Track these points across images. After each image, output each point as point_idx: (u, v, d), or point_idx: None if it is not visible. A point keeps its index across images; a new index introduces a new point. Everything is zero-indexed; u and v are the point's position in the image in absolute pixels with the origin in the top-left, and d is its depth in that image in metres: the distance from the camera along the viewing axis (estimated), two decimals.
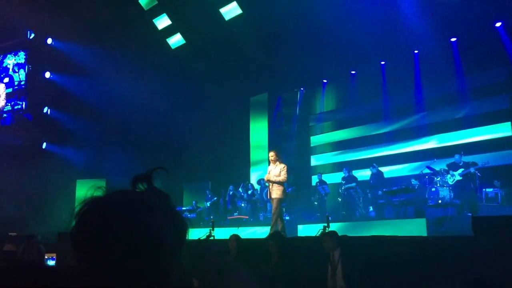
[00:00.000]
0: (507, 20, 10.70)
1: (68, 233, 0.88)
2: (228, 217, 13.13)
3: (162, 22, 14.54)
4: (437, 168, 10.26)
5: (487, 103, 11.28)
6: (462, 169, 9.76)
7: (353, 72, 13.60)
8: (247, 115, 15.63)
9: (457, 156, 10.04)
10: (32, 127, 16.77)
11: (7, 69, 18.03)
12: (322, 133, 14.92)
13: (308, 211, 12.74)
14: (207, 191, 14.62)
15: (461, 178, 9.72)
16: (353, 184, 11.86)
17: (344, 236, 6.02)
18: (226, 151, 14.76)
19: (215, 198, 14.20)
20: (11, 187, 14.68)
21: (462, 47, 11.39)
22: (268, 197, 7.80)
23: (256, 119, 15.56)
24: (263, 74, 13.90)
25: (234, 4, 13.00)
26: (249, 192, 13.35)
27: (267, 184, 8.13)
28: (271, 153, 7.79)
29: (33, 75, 17.46)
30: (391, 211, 10.47)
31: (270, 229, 7.45)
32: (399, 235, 6.36)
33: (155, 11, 14.47)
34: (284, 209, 9.32)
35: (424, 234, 7.97)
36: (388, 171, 12.10)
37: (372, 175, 11.77)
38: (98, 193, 0.89)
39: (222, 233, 9.53)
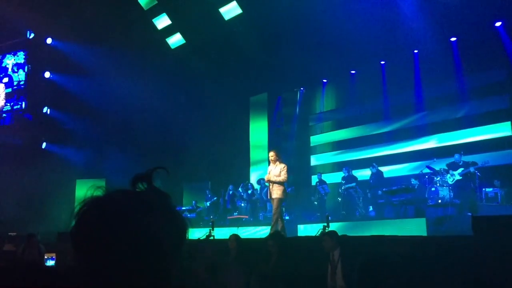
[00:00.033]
0: (507, 20, 10.70)
1: (68, 233, 0.88)
2: (228, 217, 13.13)
3: (162, 22, 14.54)
4: (437, 168, 10.26)
5: (487, 102, 11.28)
6: (462, 169, 9.76)
7: (353, 72, 13.60)
8: (247, 115, 15.63)
9: (456, 156, 10.04)
10: (32, 127, 16.76)
11: (6, 69, 18.03)
12: (322, 133, 14.92)
13: (308, 211, 12.75)
14: (207, 191, 14.63)
15: (461, 177, 9.72)
16: (353, 184, 11.86)
17: (344, 236, 6.02)
18: (226, 151, 14.76)
19: (215, 198, 14.20)
20: (11, 187, 14.68)
21: (462, 47, 11.40)
22: (269, 197, 7.80)
23: (256, 119, 15.56)
24: (263, 74, 13.90)
25: (234, 3, 13.00)
26: (249, 192, 13.35)
27: (267, 184, 8.13)
28: (271, 153, 7.78)
29: (33, 75, 17.44)
30: (391, 211, 10.47)
31: (270, 229, 7.45)
32: (399, 234, 6.35)
33: (155, 11, 14.47)
34: (284, 209, 9.31)
35: (424, 233, 7.97)
36: (388, 170, 12.10)
37: (372, 174, 11.77)
38: (98, 193, 0.89)
39: (222, 233, 9.53)
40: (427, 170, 10.43)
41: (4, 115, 17.69)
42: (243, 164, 15.18)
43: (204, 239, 8.14)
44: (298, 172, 13.91)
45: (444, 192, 9.52)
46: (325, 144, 14.75)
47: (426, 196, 9.75)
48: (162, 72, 14.59)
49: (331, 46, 11.85)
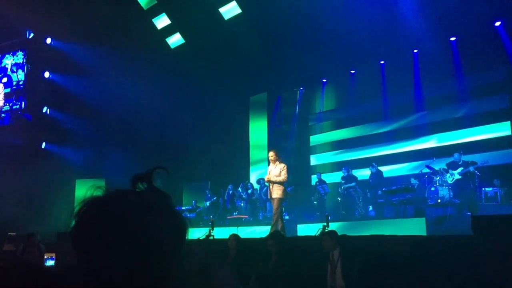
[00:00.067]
0: (506, 19, 10.70)
1: (68, 233, 0.88)
2: (228, 217, 13.14)
3: (162, 21, 14.54)
4: (436, 168, 10.27)
5: (486, 102, 11.28)
6: (462, 168, 9.76)
7: (352, 71, 13.60)
8: (247, 114, 15.63)
9: (456, 155, 10.04)
10: (32, 127, 16.75)
11: (5, 69, 18.02)
12: (321, 133, 14.92)
13: (308, 210, 12.75)
14: (207, 191, 14.63)
15: (460, 177, 9.72)
16: (353, 184, 11.86)
17: (344, 236, 6.02)
18: (226, 150, 14.76)
19: (215, 198, 14.20)
20: (11, 187, 14.66)
21: (462, 47, 11.40)
22: (269, 197, 7.79)
23: (256, 118, 15.57)
24: (262, 73, 13.90)
25: (234, 3, 13.01)
26: (249, 191, 13.36)
27: (267, 184, 8.12)
28: (271, 153, 7.76)
29: (33, 75, 17.44)
30: (390, 211, 10.47)
31: (271, 229, 7.44)
32: (399, 234, 6.35)
33: (155, 11, 14.47)
34: (283, 208, 9.32)
35: (424, 233, 7.98)
36: (387, 170, 12.10)
37: (371, 174, 11.77)
38: (98, 193, 0.89)
39: (221, 233, 9.54)
40: (426, 170, 10.43)
41: (3, 115, 17.68)
42: (243, 164, 15.18)
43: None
44: (298, 172, 13.91)
45: (444, 192, 9.53)
46: (325, 144, 14.75)
47: (426, 195, 9.76)
48: (162, 72, 14.59)
49: (330, 46, 11.85)
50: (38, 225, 12.52)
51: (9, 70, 17.95)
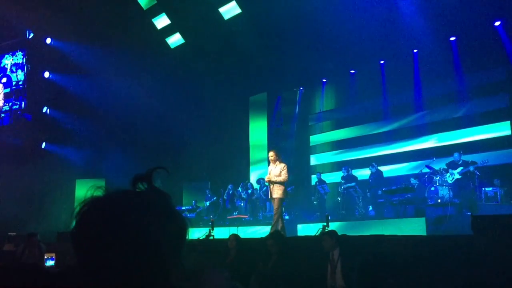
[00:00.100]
0: (506, 19, 10.71)
1: (68, 233, 0.88)
2: (228, 217, 13.14)
3: (161, 21, 14.54)
4: (436, 167, 10.27)
5: (486, 102, 11.29)
6: (462, 168, 9.76)
7: (352, 71, 13.61)
8: (247, 114, 15.63)
9: (456, 154, 10.03)
10: (32, 127, 16.75)
11: (4, 69, 18.03)
12: (321, 133, 14.92)
13: (308, 210, 12.76)
14: (207, 191, 14.63)
15: (460, 176, 9.72)
16: (353, 184, 11.86)
17: (344, 236, 6.02)
18: (226, 150, 14.76)
19: (215, 198, 14.20)
20: (11, 187, 14.67)
21: (461, 46, 11.41)
22: (269, 197, 7.79)
23: (256, 118, 15.57)
24: (262, 73, 13.90)
25: (233, 3, 13.01)
26: (249, 191, 13.36)
27: (267, 184, 8.12)
28: (271, 153, 7.76)
29: (32, 75, 17.44)
30: (390, 211, 10.47)
31: (271, 229, 7.44)
32: (399, 234, 6.35)
33: (154, 11, 14.46)
34: (283, 208, 9.32)
35: (424, 233, 7.98)
36: (387, 170, 12.11)
37: (371, 174, 11.77)
38: (98, 193, 0.89)
39: (221, 233, 9.54)
40: (426, 170, 10.43)
41: (3, 115, 17.68)
42: (243, 163, 15.18)
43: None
44: (298, 171, 13.91)
45: (444, 192, 9.52)
46: (325, 144, 14.75)
47: (426, 195, 9.75)
48: (162, 72, 14.59)
49: (330, 46, 11.85)
50: (38, 225, 12.54)
51: (8, 70, 17.95)
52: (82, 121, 15.96)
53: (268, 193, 8.03)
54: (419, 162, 11.64)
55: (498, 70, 11.05)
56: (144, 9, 14.46)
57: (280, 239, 6.14)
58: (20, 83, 17.64)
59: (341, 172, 12.46)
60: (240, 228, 10.77)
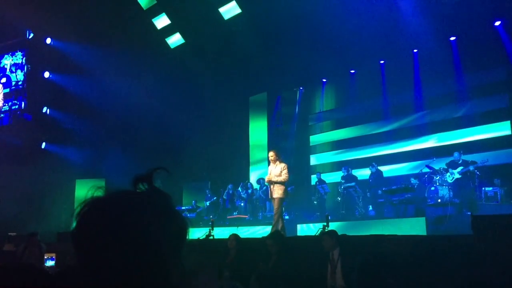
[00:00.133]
0: (506, 19, 10.71)
1: (68, 233, 0.88)
2: (228, 217, 13.14)
3: (161, 21, 14.54)
4: (436, 167, 10.27)
5: (486, 101, 11.29)
6: (462, 167, 9.76)
7: (352, 71, 13.61)
8: (247, 114, 15.63)
9: (456, 154, 10.03)
10: (32, 127, 16.75)
11: (4, 69, 18.03)
12: (321, 132, 14.93)
13: (308, 210, 12.76)
14: (207, 191, 14.63)
15: (460, 176, 9.72)
16: (353, 183, 11.86)
17: (344, 235, 6.02)
18: (226, 150, 14.76)
19: (215, 198, 14.20)
20: (11, 187, 14.67)
21: (462, 46, 11.41)
22: (270, 197, 7.79)
23: (256, 118, 15.57)
24: (262, 73, 13.90)
25: (233, 3, 13.01)
26: (249, 191, 13.36)
27: (267, 184, 8.11)
28: (271, 153, 7.75)
29: (32, 75, 17.44)
30: (390, 210, 10.48)
31: (271, 229, 7.44)
32: (399, 234, 6.35)
33: (154, 11, 14.47)
34: (283, 208, 9.32)
35: (424, 233, 7.98)
36: (387, 170, 12.11)
37: (371, 174, 11.78)
38: (99, 193, 0.89)
39: (221, 233, 9.54)
40: (426, 170, 10.43)
41: (2, 115, 17.69)
42: (243, 163, 15.18)
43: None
44: (298, 171, 13.90)
45: (444, 191, 9.53)
46: (325, 144, 14.75)
47: (426, 195, 9.76)
48: (162, 72, 14.59)
49: (330, 46, 11.85)
50: (38, 225, 12.54)
51: (8, 70, 17.95)
52: (82, 121, 15.96)
53: (268, 193, 8.03)
54: (419, 162, 11.64)
55: (498, 70, 11.06)
56: (144, 9, 14.46)
57: (280, 239, 6.14)
58: (20, 83, 17.63)
59: (341, 172, 12.46)
60: (240, 228, 10.77)
